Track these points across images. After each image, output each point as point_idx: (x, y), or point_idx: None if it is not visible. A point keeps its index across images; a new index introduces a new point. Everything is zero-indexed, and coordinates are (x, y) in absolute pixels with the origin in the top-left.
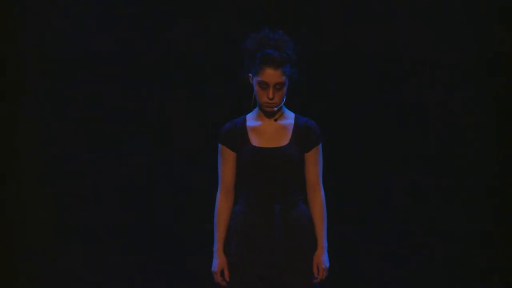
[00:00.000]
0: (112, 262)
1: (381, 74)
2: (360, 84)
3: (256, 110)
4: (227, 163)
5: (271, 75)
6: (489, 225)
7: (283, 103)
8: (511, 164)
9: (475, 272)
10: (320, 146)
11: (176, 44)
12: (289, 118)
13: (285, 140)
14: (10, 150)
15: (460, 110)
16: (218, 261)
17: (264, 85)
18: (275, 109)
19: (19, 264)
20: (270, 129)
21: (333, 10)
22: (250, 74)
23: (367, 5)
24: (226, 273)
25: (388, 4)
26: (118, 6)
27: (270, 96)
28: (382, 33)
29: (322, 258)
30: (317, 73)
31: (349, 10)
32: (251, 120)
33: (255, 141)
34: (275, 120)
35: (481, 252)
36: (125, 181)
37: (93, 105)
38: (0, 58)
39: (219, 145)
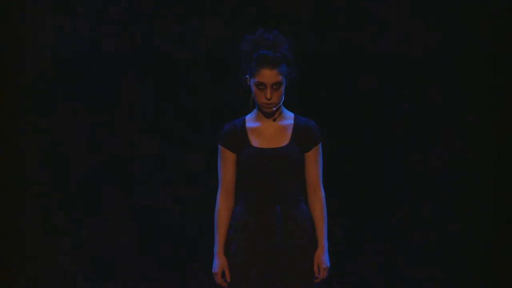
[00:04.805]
0: (112, 263)
1: (381, 74)
2: (360, 84)
3: (255, 111)
4: (227, 164)
5: (268, 75)
6: (490, 225)
7: (281, 102)
8: None
9: (476, 272)
10: (320, 146)
11: (176, 44)
12: (289, 118)
13: (285, 141)
14: (9, 150)
15: (461, 111)
16: (219, 262)
17: (261, 86)
18: (274, 109)
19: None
20: (269, 129)
21: (333, 10)
22: (247, 76)
23: (366, 5)
24: (227, 274)
25: (387, 4)
26: (117, 6)
27: (268, 96)
28: (382, 33)
29: (322, 258)
30: (316, 73)
31: (349, 9)
32: (251, 121)
33: (255, 142)
34: (274, 120)
35: (481, 253)
36: (125, 182)
37: (92, 105)
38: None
39: (219, 146)
